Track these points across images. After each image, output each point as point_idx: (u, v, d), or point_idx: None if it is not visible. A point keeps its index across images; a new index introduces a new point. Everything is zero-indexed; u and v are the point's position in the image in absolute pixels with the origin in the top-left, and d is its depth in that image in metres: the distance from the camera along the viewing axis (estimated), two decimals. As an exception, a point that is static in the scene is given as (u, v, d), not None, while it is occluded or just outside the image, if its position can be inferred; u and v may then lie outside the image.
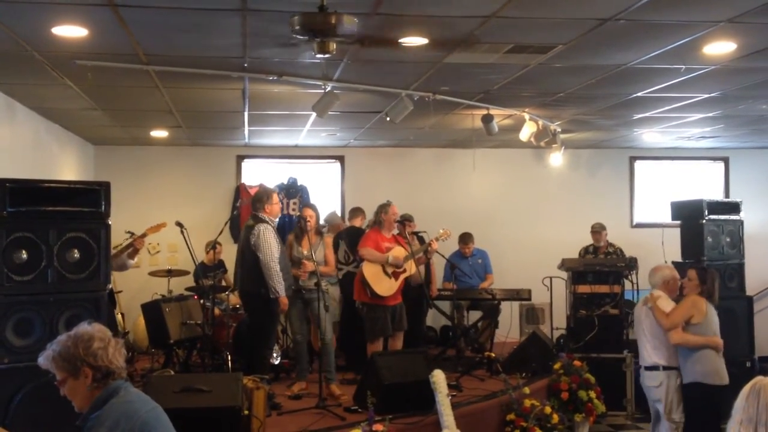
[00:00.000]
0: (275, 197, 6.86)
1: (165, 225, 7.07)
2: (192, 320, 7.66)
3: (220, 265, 9.13)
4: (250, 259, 6.62)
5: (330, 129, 9.35)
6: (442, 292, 9.06)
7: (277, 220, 7.03)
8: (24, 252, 4.67)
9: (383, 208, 7.41)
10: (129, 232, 8.67)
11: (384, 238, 7.35)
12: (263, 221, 6.66)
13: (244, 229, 6.81)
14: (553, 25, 4.97)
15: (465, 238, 9.69)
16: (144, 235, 6.99)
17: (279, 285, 6.50)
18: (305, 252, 6.97)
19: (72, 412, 2.91)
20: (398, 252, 7.30)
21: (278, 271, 6.51)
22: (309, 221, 7.01)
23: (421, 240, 8.20)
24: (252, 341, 6.87)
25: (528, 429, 6.29)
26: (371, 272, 7.15)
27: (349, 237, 8.43)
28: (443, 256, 8.85)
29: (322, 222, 7.79)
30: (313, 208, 7.23)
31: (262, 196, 6.81)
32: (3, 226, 4.61)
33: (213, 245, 8.75)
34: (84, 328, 2.88)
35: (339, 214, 10.09)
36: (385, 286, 7.16)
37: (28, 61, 5.65)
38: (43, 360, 2.85)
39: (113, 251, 6.88)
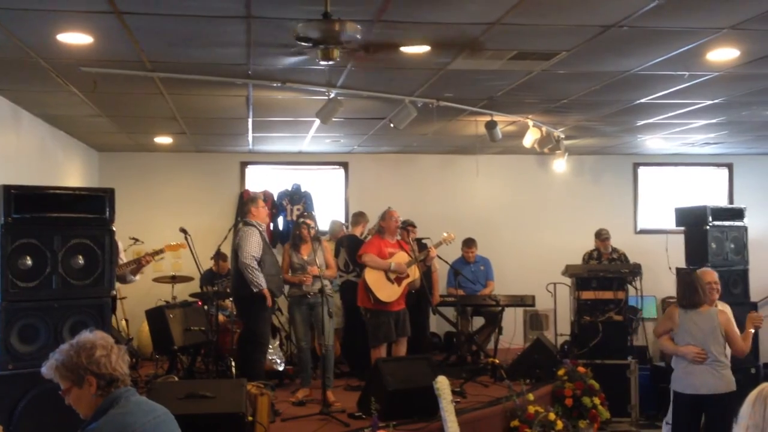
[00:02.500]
0: (259, 203, 7.08)
1: (185, 246, 7.14)
2: (196, 326, 7.66)
3: (229, 274, 9.12)
4: (237, 262, 6.78)
5: (334, 135, 9.36)
6: (446, 299, 9.06)
7: (263, 224, 7.15)
8: (29, 258, 4.69)
9: (382, 215, 7.49)
10: (133, 238, 8.74)
11: (387, 243, 7.37)
12: (249, 225, 6.87)
13: (234, 234, 7.05)
14: (556, 31, 4.97)
15: (468, 243, 9.68)
16: (161, 252, 7.10)
17: (258, 278, 6.61)
18: (306, 257, 7.02)
19: (75, 419, 2.89)
20: (401, 258, 7.32)
21: (255, 267, 6.62)
22: (312, 229, 7.06)
23: (422, 246, 8.20)
24: (246, 346, 6.92)
25: (532, 435, 6.29)
26: (374, 278, 7.15)
27: (349, 246, 8.43)
28: (446, 261, 8.85)
29: (325, 231, 7.83)
30: (313, 218, 7.38)
31: (247, 202, 7.19)
32: (8, 232, 4.63)
33: (215, 256, 8.74)
34: (86, 336, 2.85)
35: (342, 221, 10.12)
36: (388, 292, 7.16)
37: (33, 68, 5.67)
38: (46, 370, 2.81)
39: (126, 262, 6.93)
